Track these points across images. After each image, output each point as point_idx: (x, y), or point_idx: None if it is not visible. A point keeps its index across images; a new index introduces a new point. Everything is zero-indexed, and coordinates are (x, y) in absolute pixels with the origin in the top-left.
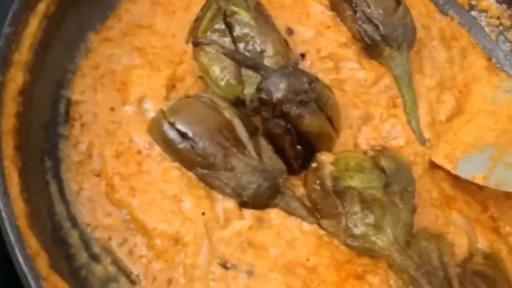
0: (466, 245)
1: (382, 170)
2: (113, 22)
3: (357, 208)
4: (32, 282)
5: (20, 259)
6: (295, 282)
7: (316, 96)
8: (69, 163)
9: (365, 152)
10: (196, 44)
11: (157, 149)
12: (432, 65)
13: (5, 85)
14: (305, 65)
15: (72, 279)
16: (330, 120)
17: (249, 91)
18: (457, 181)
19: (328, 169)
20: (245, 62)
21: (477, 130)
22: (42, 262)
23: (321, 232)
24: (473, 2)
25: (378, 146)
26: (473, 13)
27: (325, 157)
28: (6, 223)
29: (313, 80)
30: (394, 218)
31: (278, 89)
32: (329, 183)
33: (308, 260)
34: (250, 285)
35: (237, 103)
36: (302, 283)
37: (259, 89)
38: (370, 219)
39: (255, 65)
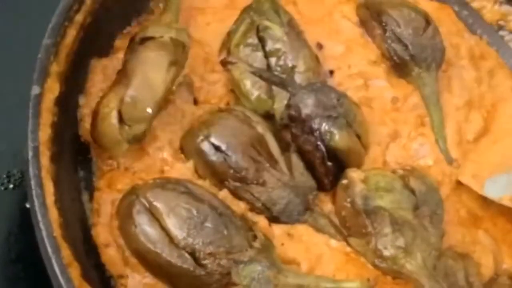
0: (492, 265)
1: (411, 191)
2: None
3: (387, 230)
4: None
5: (57, 271)
6: None
7: (344, 112)
8: (100, 174)
9: (394, 171)
10: (224, 64)
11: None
12: (460, 85)
13: (43, 96)
14: (334, 81)
15: None
16: (358, 136)
17: (278, 105)
18: (484, 201)
19: (359, 187)
20: (272, 79)
21: (504, 151)
22: (75, 272)
23: (348, 249)
24: (502, 22)
25: (407, 165)
26: (501, 33)
27: (355, 174)
28: (44, 233)
29: (341, 95)
30: (424, 242)
31: (307, 105)
32: (359, 201)
33: (335, 276)
34: None
35: (267, 117)
36: None
37: (288, 106)
38: (401, 242)
39: (282, 82)
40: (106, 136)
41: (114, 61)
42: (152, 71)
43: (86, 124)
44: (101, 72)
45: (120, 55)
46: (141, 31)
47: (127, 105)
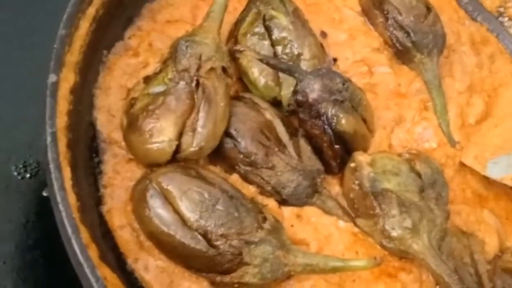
0: (496, 243)
1: (417, 174)
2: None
3: (395, 211)
4: (88, 271)
5: (77, 250)
6: (333, 277)
7: (350, 96)
8: (109, 161)
9: (400, 154)
10: (232, 52)
11: None
12: (462, 70)
13: (59, 84)
14: (338, 69)
15: (119, 270)
16: (364, 120)
17: (286, 92)
18: (488, 181)
19: (366, 170)
20: (279, 66)
21: (505, 133)
22: (93, 254)
23: (356, 229)
24: (501, 9)
25: (412, 149)
26: (501, 19)
27: (362, 158)
28: (63, 215)
29: (346, 80)
30: (430, 223)
31: (313, 89)
32: (367, 184)
33: (343, 255)
34: (290, 279)
35: (274, 103)
36: (339, 278)
37: (295, 92)
38: (408, 223)
39: (289, 69)
40: (150, 157)
41: (134, 60)
42: (221, 123)
43: (102, 118)
44: (120, 68)
45: (141, 56)
46: (193, 46)
47: (192, 152)
